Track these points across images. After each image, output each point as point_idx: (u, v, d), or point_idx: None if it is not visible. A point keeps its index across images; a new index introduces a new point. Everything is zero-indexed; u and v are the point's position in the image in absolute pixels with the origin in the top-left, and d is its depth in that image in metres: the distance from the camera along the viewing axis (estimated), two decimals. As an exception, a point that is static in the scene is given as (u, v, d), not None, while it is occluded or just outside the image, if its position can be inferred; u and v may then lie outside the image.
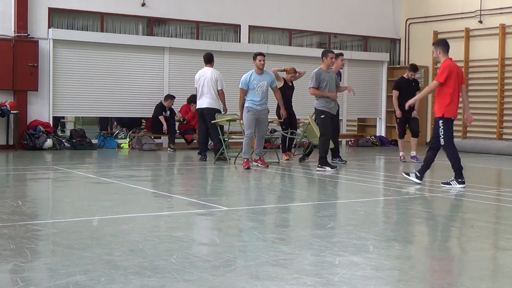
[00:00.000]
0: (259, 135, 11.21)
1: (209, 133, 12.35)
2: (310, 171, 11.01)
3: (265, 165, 11.14)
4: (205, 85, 12.22)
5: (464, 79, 9.13)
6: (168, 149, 14.63)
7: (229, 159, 11.85)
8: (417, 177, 9.10)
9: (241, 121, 11.45)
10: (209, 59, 12.52)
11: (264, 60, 11.16)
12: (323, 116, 10.98)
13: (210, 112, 12.08)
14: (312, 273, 4.34)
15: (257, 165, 11.12)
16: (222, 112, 12.36)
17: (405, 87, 12.83)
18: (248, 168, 10.80)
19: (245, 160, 10.96)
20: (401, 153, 13.19)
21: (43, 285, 3.99)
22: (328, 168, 10.75)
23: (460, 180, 8.76)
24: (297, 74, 13.12)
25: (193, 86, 15.83)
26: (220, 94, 12.23)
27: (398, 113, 12.85)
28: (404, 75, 13.11)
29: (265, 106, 11.18)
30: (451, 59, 8.90)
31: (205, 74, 12.33)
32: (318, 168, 10.82)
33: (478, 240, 5.70)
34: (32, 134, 13.87)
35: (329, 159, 11.25)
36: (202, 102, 12.25)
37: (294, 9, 17.53)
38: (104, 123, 17.51)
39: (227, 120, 11.92)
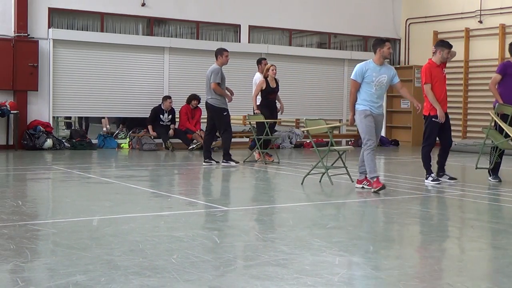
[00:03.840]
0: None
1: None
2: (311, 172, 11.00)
3: (379, 185, 8.27)
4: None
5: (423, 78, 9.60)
6: (169, 148, 14.61)
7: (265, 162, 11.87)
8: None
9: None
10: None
11: (391, 49, 8.73)
12: (225, 113, 11.33)
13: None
14: (312, 273, 4.34)
15: (362, 186, 8.62)
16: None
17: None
18: (383, 188, 8.27)
19: (375, 179, 8.32)
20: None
21: (43, 285, 3.99)
22: (232, 163, 11.32)
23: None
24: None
25: (193, 85, 15.91)
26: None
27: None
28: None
29: (382, 109, 8.76)
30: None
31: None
32: (222, 163, 11.40)
33: (478, 240, 5.70)
34: (32, 134, 13.87)
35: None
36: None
37: (294, 9, 17.52)
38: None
39: (331, 127, 9.78)
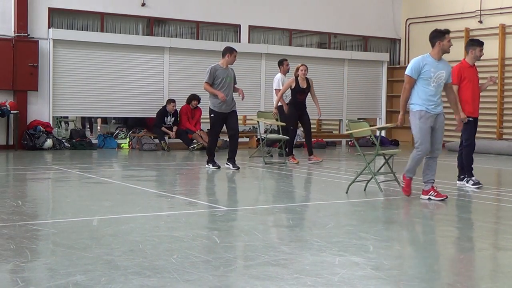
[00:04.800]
0: (433, 154, 7.83)
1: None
2: (311, 172, 11.01)
3: (407, 193, 7.96)
4: None
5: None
6: (164, 149, 14.57)
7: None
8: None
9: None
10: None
11: (451, 41, 7.84)
12: (212, 115, 10.92)
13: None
14: (312, 273, 4.34)
15: (429, 198, 7.80)
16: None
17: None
18: (407, 195, 7.91)
19: (408, 178, 7.97)
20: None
21: (43, 285, 3.99)
22: (211, 166, 10.96)
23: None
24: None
25: (193, 85, 15.91)
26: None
27: None
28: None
29: (441, 107, 7.86)
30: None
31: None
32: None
33: (478, 240, 5.70)
34: (32, 134, 13.87)
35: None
36: None
37: (294, 9, 17.53)
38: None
39: (378, 129, 9.34)
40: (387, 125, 9.94)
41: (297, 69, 12.06)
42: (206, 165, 11.09)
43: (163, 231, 5.72)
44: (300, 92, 12.04)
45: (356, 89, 18.28)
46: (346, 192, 8.18)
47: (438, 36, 7.70)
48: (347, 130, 8.91)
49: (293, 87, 12.06)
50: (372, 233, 5.75)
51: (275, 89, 13.22)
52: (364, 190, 8.40)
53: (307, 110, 12.24)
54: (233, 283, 4.11)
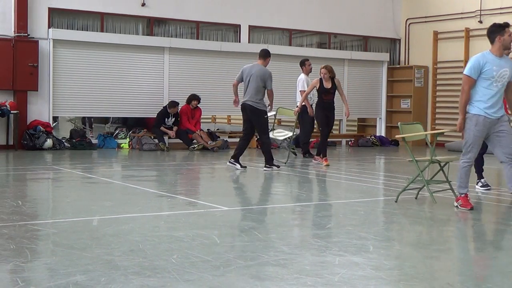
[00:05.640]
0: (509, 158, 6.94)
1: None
2: (311, 172, 11.00)
3: (468, 206, 7.15)
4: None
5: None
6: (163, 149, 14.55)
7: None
8: None
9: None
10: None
11: None
12: (265, 116, 10.90)
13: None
14: (312, 273, 4.34)
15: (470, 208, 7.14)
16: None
17: None
18: (471, 209, 7.10)
19: (462, 195, 7.18)
20: None
21: (43, 285, 3.99)
22: (274, 168, 10.82)
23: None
24: None
25: (193, 85, 15.92)
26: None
27: None
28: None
29: (503, 110, 7.11)
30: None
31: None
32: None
33: (478, 240, 5.70)
34: (32, 134, 13.86)
35: None
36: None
37: (294, 9, 17.53)
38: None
39: (435, 134, 7.90)
40: (443, 130, 8.88)
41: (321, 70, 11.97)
42: (269, 168, 10.81)
43: (163, 231, 5.72)
44: (324, 93, 11.86)
45: (356, 89, 18.27)
46: (396, 201, 7.52)
47: (497, 31, 6.93)
48: (399, 134, 8.00)
49: (317, 87, 11.94)
50: (372, 233, 5.75)
51: (300, 91, 13.09)
52: (416, 198, 7.84)
53: (334, 110, 12.04)
54: (233, 283, 4.11)
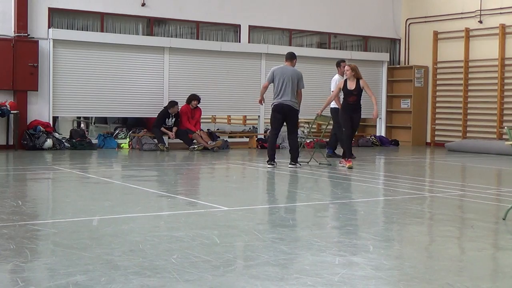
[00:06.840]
0: None
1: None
2: (311, 171, 11.00)
3: None
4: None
5: None
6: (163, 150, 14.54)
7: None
8: None
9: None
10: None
11: None
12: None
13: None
14: (312, 273, 4.34)
15: None
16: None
17: None
18: None
19: None
20: None
21: (43, 285, 3.99)
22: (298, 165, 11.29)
23: None
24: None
25: (193, 85, 15.92)
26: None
27: None
28: None
29: None
30: None
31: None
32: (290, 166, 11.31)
33: (478, 240, 5.70)
34: (32, 134, 13.87)
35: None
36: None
37: (294, 9, 17.52)
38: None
39: None
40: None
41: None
42: (293, 165, 11.27)
43: (163, 231, 5.72)
44: (347, 94, 11.59)
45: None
46: (504, 218, 6.55)
47: None
48: (507, 140, 7.09)
49: (341, 88, 11.73)
50: (372, 233, 5.75)
51: (332, 91, 12.79)
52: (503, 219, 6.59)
53: (360, 112, 11.80)
54: (233, 283, 4.11)
